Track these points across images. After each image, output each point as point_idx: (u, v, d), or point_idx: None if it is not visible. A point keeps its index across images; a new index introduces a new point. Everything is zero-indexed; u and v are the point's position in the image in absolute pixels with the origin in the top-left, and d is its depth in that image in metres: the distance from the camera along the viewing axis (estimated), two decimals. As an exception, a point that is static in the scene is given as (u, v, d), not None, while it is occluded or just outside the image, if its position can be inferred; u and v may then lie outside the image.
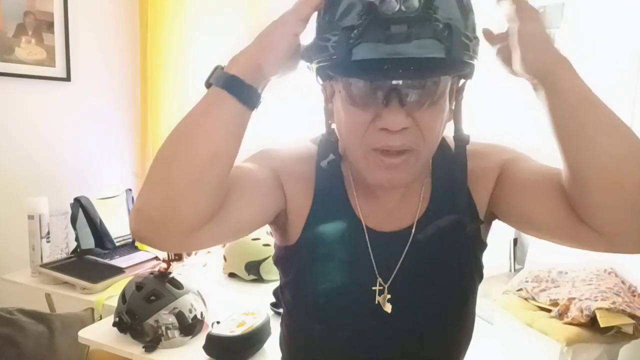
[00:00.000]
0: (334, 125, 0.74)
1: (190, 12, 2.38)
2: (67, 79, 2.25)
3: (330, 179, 0.77)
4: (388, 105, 0.62)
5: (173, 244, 0.67)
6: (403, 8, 0.56)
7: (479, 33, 0.67)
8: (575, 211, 0.63)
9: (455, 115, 0.72)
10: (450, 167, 0.77)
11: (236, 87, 0.62)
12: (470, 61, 0.63)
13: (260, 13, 2.23)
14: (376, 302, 0.74)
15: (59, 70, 2.21)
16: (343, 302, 0.76)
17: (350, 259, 0.76)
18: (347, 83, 0.64)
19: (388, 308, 0.74)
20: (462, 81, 0.71)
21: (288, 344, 0.88)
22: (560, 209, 0.65)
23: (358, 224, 0.76)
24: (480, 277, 0.83)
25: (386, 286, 0.74)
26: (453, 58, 0.59)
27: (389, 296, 0.74)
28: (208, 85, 0.64)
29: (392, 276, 0.75)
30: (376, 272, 0.75)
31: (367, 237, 0.76)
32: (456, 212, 0.75)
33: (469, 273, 0.80)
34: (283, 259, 0.83)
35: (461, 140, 0.73)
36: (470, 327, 0.86)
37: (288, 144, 0.83)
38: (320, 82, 0.71)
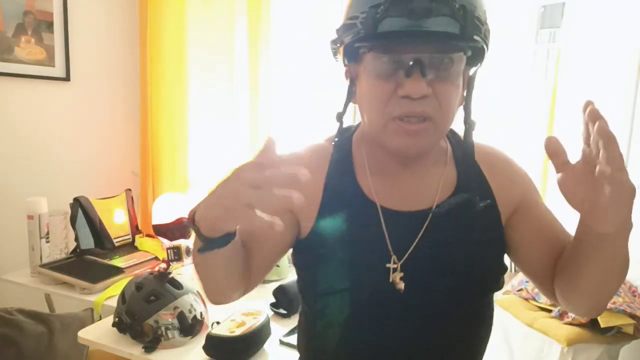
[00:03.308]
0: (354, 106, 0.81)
1: (190, 11, 2.38)
2: (67, 78, 2.24)
3: (340, 168, 0.82)
4: (410, 76, 0.68)
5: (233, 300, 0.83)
6: None
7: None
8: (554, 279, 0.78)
9: (466, 102, 0.78)
10: (465, 155, 0.83)
11: (211, 245, 0.65)
12: (481, 41, 0.70)
13: (260, 13, 2.22)
14: (390, 280, 0.75)
15: (58, 70, 2.21)
16: (357, 281, 0.77)
17: (363, 238, 0.78)
18: (372, 58, 0.71)
19: (401, 286, 0.74)
20: (473, 70, 0.77)
21: (307, 334, 0.88)
22: (550, 267, 0.79)
23: (371, 204, 0.79)
24: (502, 269, 0.82)
25: (399, 264, 0.75)
26: (466, 35, 0.67)
27: (401, 274, 0.75)
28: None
29: (407, 255, 0.76)
30: (390, 250, 0.76)
31: (381, 216, 0.78)
32: (469, 192, 0.79)
33: (487, 260, 0.80)
34: (298, 250, 0.85)
35: (469, 124, 0.79)
36: (488, 318, 0.85)
37: (295, 149, 0.87)
38: (346, 63, 0.78)
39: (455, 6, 0.65)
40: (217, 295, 0.80)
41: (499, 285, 0.83)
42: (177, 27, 2.38)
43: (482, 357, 0.86)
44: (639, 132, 1.87)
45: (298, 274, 0.87)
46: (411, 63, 0.68)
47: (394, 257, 0.75)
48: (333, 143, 0.84)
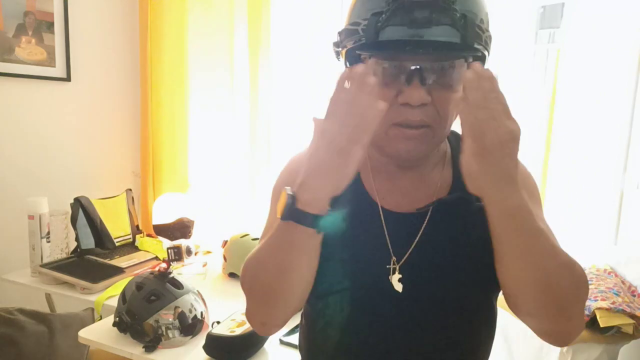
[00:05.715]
0: None
1: (190, 11, 2.38)
2: (67, 79, 2.25)
3: None
4: (410, 83, 0.68)
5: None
6: None
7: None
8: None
9: None
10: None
11: (317, 224, 0.66)
12: (482, 48, 0.69)
13: (260, 16, 2.23)
14: (390, 279, 0.75)
15: (59, 70, 2.21)
16: (358, 280, 0.77)
17: (366, 238, 0.78)
18: (374, 63, 0.69)
19: (399, 287, 0.75)
20: None
21: (308, 336, 0.88)
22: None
23: (374, 205, 0.79)
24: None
25: (398, 266, 0.76)
26: (467, 43, 0.66)
27: (399, 276, 0.75)
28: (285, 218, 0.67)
29: (405, 257, 0.76)
30: (391, 251, 0.77)
31: (382, 217, 0.78)
32: (463, 191, 0.75)
33: (484, 259, 0.73)
34: None
35: None
36: (489, 320, 0.84)
37: (299, 156, 0.87)
38: (348, 66, 0.75)
39: (457, 15, 0.65)
40: (285, 302, 0.75)
41: (498, 286, 0.76)
42: (177, 28, 2.38)
43: (485, 353, 0.85)
44: (639, 132, 1.87)
45: None
46: (412, 68, 0.67)
47: (393, 259, 0.76)
48: None
